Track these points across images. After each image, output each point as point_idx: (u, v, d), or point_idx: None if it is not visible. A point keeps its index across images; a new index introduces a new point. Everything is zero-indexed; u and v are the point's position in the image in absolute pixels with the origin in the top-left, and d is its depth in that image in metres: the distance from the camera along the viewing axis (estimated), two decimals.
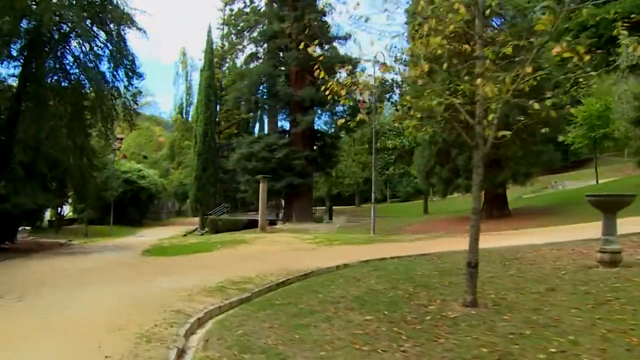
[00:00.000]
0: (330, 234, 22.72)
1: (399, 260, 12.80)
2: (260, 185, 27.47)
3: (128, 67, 21.50)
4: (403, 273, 10.64)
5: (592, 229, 15.16)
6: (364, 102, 22.33)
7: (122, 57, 21.40)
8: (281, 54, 35.09)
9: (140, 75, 21.77)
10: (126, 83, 21.59)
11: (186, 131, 76.33)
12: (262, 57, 45.38)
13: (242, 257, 14.97)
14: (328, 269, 12.66)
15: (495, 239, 16.41)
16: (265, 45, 50.92)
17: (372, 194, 23.04)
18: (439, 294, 8.56)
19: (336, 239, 18.74)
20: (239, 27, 53.23)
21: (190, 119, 79.87)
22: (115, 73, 21.48)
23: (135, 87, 22.00)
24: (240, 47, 55.72)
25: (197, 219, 48.37)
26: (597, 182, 30.09)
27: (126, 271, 12.68)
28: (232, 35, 54.76)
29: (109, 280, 11.19)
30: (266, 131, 45.47)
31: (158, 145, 75.98)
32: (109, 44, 21.31)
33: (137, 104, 21.89)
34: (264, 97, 33.93)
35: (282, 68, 34.61)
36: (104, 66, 21.33)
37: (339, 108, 32.63)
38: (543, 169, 21.63)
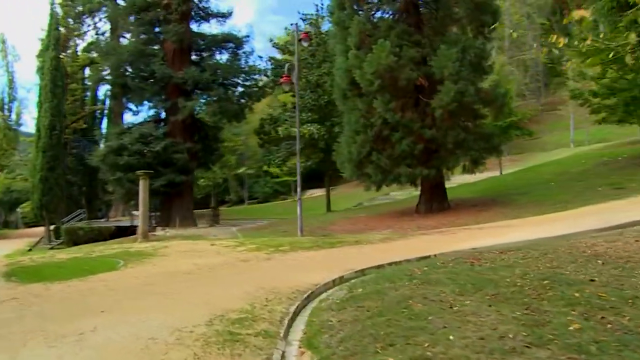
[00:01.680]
0: (245, 239, 18.41)
1: (407, 266, 9.93)
2: (141, 183, 22.16)
3: None
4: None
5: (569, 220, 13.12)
6: (288, 76, 18.46)
7: None
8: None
9: None
10: None
11: (9, 130, 65.34)
12: (104, 43, 39.12)
13: (177, 276, 10.40)
14: (326, 285, 9.06)
15: (481, 234, 13.73)
16: (109, 29, 44.58)
17: (298, 189, 19.14)
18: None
19: (278, 244, 14.63)
20: (76, 11, 46.48)
21: (13, 116, 68.74)
22: None
23: None
24: (79, 32, 48.70)
25: (33, 230, 40.63)
26: (501, 173, 29.22)
27: (17, 314, 7.52)
28: (70, 19, 47.77)
29: (6, 336, 6.17)
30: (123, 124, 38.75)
31: None
32: None
33: None
34: (135, 79, 28.02)
35: (157, 47, 28.99)
36: None
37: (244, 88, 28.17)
38: (492, 154, 19.54)
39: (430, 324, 5.74)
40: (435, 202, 20.16)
